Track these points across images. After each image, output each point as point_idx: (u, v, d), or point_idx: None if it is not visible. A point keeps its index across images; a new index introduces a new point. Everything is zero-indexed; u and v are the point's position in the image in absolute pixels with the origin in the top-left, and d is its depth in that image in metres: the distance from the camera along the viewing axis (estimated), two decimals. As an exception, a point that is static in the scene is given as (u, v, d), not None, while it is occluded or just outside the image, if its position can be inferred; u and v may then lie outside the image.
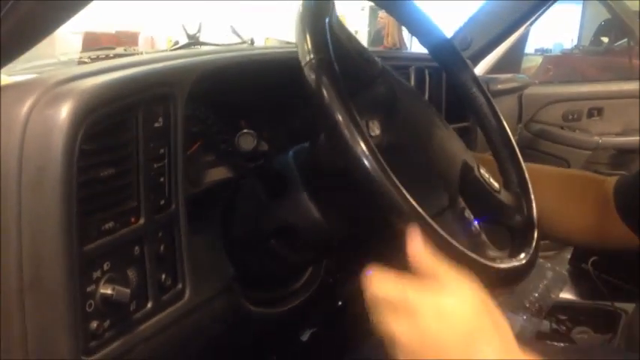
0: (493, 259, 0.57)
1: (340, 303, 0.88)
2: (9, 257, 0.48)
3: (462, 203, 0.66)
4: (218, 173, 0.74)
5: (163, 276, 0.59)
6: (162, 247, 0.58)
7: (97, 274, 0.52)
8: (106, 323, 0.52)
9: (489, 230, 0.66)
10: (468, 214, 0.66)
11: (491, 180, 0.68)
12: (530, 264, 0.61)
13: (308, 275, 0.80)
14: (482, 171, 0.68)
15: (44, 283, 0.48)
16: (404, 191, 0.50)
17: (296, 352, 0.94)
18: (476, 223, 0.66)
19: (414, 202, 0.50)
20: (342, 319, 0.94)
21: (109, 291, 0.52)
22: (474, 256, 0.53)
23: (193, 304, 0.62)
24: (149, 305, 0.57)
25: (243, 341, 0.74)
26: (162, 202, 0.58)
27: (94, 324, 0.51)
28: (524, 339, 0.83)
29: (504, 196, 0.67)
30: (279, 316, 0.76)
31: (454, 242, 0.52)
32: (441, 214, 0.61)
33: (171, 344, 0.61)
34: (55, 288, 0.48)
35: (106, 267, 0.52)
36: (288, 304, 0.76)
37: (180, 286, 0.61)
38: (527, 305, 1.18)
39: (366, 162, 0.49)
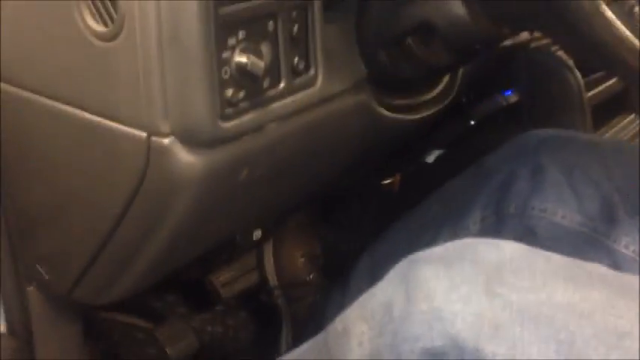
0: None
1: (473, 122, 0.84)
2: (148, 11, 0.47)
3: None
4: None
5: (296, 59, 0.57)
6: (295, 28, 0.56)
7: (232, 41, 0.50)
8: (241, 93, 0.52)
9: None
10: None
11: None
12: None
13: (443, 87, 0.76)
14: None
15: (182, 41, 0.47)
16: None
17: (419, 174, 0.92)
18: None
19: None
20: (472, 145, 0.91)
21: (244, 59, 0.50)
22: None
23: (325, 94, 0.60)
24: (282, 85, 0.56)
25: (371, 147, 0.73)
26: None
27: (230, 91, 0.51)
28: None
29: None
30: (409, 125, 0.73)
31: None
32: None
33: (302, 133, 0.60)
34: (193, 46, 0.47)
35: (241, 36, 0.51)
36: (419, 113, 0.73)
37: (312, 71, 0.59)
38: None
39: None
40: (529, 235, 0.68)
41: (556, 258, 0.47)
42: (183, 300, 1.06)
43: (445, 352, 0.42)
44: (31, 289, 0.68)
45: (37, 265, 0.65)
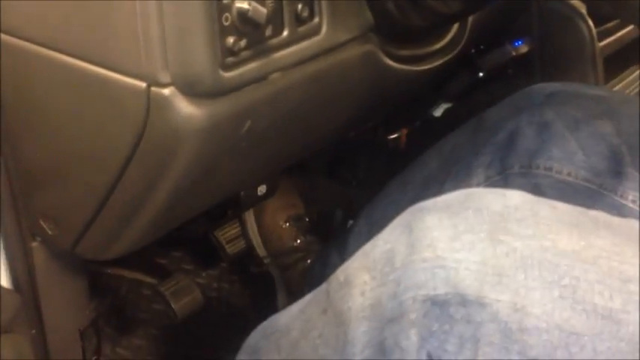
0: None
1: (481, 74, 0.82)
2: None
3: None
4: None
5: (300, 6, 0.55)
6: (299, -26, 0.54)
7: (233, -14, 0.49)
8: (243, 42, 0.50)
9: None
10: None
11: None
12: None
13: (451, 37, 0.74)
14: None
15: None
16: None
17: (426, 127, 0.90)
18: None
19: None
20: (481, 97, 0.89)
21: (245, 5, 0.49)
22: None
23: (329, 44, 0.59)
24: (285, 33, 0.54)
25: (377, 99, 0.71)
26: None
27: (231, 39, 0.49)
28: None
29: None
30: (416, 77, 0.71)
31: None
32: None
33: (307, 84, 0.58)
34: (192, -8, 0.46)
35: (242, -19, 0.49)
36: (427, 64, 0.71)
37: (316, 20, 0.57)
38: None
39: None
40: (535, 194, 0.67)
41: (561, 206, 0.46)
42: (190, 256, 1.07)
43: (448, 300, 0.41)
44: (35, 244, 0.68)
45: (41, 221, 0.65)
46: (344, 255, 0.79)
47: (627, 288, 0.41)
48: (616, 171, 0.65)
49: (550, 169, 0.66)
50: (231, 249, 0.92)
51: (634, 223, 0.47)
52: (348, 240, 0.80)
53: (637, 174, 0.63)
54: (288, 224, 0.92)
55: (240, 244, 0.92)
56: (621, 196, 0.63)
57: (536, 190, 0.67)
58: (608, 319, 0.40)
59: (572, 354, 0.40)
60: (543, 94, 0.73)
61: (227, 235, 0.92)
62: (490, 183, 0.70)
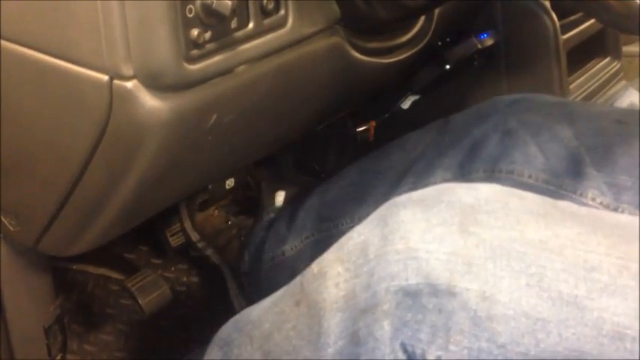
0: None
1: (448, 67, 0.82)
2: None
3: None
4: None
5: (265, -1, 0.55)
6: (264, -35, 0.54)
7: (196, -18, 0.48)
8: (207, 34, 0.49)
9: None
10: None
11: None
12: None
13: (418, 29, 0.74)
14: None
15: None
16: None
17: (394, 120, 0.91)
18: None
19: None
20: (448, 89, 0.89)
21: (208, -2, 0.48)
22: None
23: (296, 36, 0.58)
24: (250, 26, 0.53)
25: (344, 91, 0.71)
26: None
27: (195, 32, 0.48)
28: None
29: None
30: (383, 69, 0.72)
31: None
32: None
33: (273, 76, 0.58)
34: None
35: (205, -28, 0.49)
36: (393, 56, 0.72)
37: (282, 12, 0.56)
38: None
39: None
40: None
41: (530, 197, 0.47)
42: (159, 251, 1.06)
43: (419, 290, 0.42)
44: (-3, 240, 0.67)
45: (2, 216, 0.63)
46: (291, 227, 0.81)
47: (592, 276, 0.42)
48: (575, 172, 0.67)
49: (512, 172, 0.69)
50: (175, 242, 0.94)
51: (602, 213, 0.48)
52: (297, 213, 0.82)
53: (596, 173, 0.65)
54: (216, 211, 0.95)
55: (182, 237, 0.94)
56: (581, 195, 0.65)
57: None
58: (573, 305, 0.41)
59: (539, 340, 0.41)
60: (507, 103, 0.76)
61: (171, 229, 0.93)
62: None
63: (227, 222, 0.95)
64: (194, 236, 0.93)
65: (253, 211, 0.93)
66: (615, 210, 0.63)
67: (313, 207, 0.80)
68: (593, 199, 0.65)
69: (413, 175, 0.73)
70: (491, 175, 0.69)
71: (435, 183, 0.71)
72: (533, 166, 0.68)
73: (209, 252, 0.93)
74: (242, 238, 0.91)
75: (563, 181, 0.67)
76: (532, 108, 0.74)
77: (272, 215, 0.87)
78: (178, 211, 0.91)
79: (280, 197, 0.89)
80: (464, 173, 0.71)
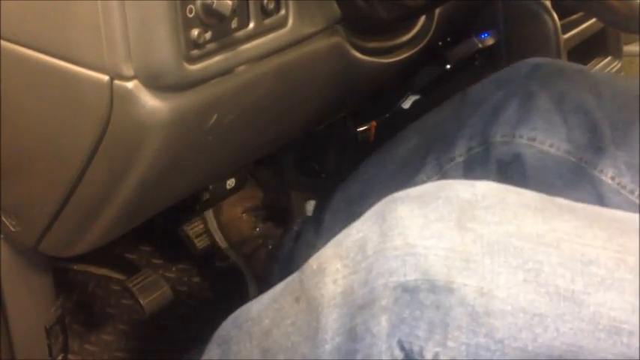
0: None
1: (448, 67, 0.82)
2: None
3: None
4: None
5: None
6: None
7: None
8: (208, 34, 0.49)
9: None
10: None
11: None
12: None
13: (418, 29, 0.74)
14: None
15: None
16: None
17: (395, 120, 0.90)
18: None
19: None
20: (448, 89, 0.89)
21: (209, -2, 0.48)
22: None
23: (296, 36, 0.58)
24: (251, 26, 0.53)
25: (345, 91, 0.71)
26: None
27: (195, 32, 0.48)
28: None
29: None
30: (384, 69, 0.72)
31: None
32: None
33: (273, 77, 0.58)
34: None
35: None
36: (394, 56, 0.72)
37: (283, 12, 0.56)
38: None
39: None
40: (516, 162, 0.67)
41: (527, 193, 0.47)
42: (160, 251, 1.06)
43: (417, 286, 0.42)
44: (-3, 241, 0.67)
45: (3, 217, 0.63)
46: (319, 231, 0.80)
47: (589, 270, 0.42)
48: (597, 146, 0.65)
49: (533, 139, 0.67)
50: (200, 243, 0.93)
51: (598, 208, 0.48)
52: (324, 216, 0.80)
53: (617, 152, 0.64)
54: (245, 215, 0.93)
55: (207, 239, 0.93)
56: (601, 172, 0.64)
57: (517, 160, 0.67)
58: (570, 300, 0.41)
59: (537, 335, 0.41)
60: (530, 67, 0.73)
61: (195, 230, 0.92)
62: (472, 154, 0.70)
63: (255, 228, 0.93)
64: (221, 242, 0.91)
65: (282, 219, 0.92)
66: (632, 193, 0.63)
67: (339, 208, 0.78)
68: (613, 179, 0.64)
69: (435, 153, 0.71)
70: (511, 141, 0.67)
71: (461, 155, 0.70)
72: (555, 135, 0.66)
73: (237, 260, 0.92)
74: (270, 249, 0.89)
75: (583, 154, 0.65)
76: (555, 73, 0.72)
77: (301, 225, 0.86)
78: (203, 215, 0.90)
79: (310, 207, 0.87)
80: (482, 141, 0.69)
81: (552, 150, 0.66)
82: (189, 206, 0.82)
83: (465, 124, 0.70)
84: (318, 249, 0.80)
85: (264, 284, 0.89)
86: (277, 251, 0.86)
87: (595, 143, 0.65)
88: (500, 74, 0.74)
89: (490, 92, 0.71)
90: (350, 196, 0.78)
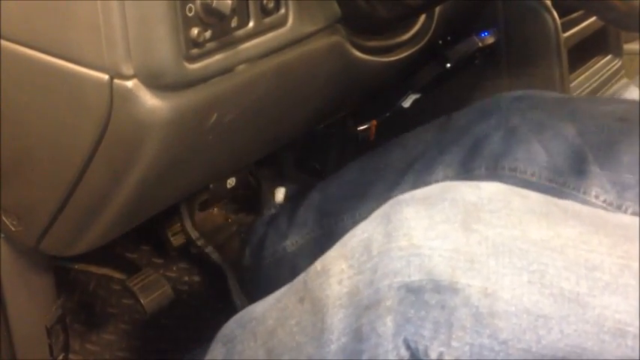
0: None
1: (449, 65, 0.82)
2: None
3: None
4: None
5: (266, -2, 0.55)
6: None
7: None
8: (208, 33, 0.49)
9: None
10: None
11: None
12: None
13: (418, 28, 0.74)
14: None
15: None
16: None
17: (395, 119, 0.90)
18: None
19: None
20: (449, 88, 0.89)
21: (208, -2, 0.48)
22: None
23: (296, 35, 0.58)
24: (251, 25, 0.53)
25: (345, 90, 0.71)
26: None
27: (195, 31, 0.48)
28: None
29: None
30: (384, 68, 0.72)
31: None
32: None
33: (273, 75, 0.58)
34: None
35: (205, -29, 0.49)
36: (394, 55, 0.72)
37: (282, 11, 0.56)
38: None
39: None
40: None
41: (533, 196, 0.47)
42: (161, 250, 1.06)
43: (422, 286, 0.43)
44: (-2, 240, 0.67)
45: (3, 216, 0.63)
46: (292, 222, 0.82)
47: (593, 275, 0.42)
48: (578, 170, 0.67)
49: (514, 169, 0.69)
50: (176, 241, 0.94)
51: (604, 213, 0.48)
52: (298, 209, 0.82)
53: (599, 171, 0.65)
54: (216, 209, 0.95)
55: (183, 237, 0.95)
56: (584, 193, 0.65)
57: None
58: (574, 302, 0.41)
59: (540, 336, 0.41)
60: (509, 99, 0.75)
61: (172, 229, 0.93)
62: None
63: (227, 220, 0.95)
64: (194, 234, 0.93)
65: (253, 209, 0.93)
66: (619, 208, 0.63)
67: (314, 203, 0.80)
68: (597, 197, 0.65)
69: (414, 172, 0.73)
70: (494, 173, 0.69)
71: (437, 180, 0.71)
72: (536, 163, 0.68)
73: (208, 249, 0.93)
74: (242, 235, 0.91)
75: (566, 179, 0.67)
76: (535, 105, 0.74)
77: (273, 211, 0.87)
78: (179, 211, 0.91)
79: (280, 194, 0.89)
80: (466, 170, 0.71)
81: (534, 179, 0.68)
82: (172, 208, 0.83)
83: (446, 152, 0.73)
84: (289, 239, 0.81)
85: (237, 269, 0.90)
86: (249, 236, 0.87)
87: (577, 167, 0.67)
88: (484, 104, 0.77)
89: (473, 123, 0.74)
90: (327, 195, 0.80)
